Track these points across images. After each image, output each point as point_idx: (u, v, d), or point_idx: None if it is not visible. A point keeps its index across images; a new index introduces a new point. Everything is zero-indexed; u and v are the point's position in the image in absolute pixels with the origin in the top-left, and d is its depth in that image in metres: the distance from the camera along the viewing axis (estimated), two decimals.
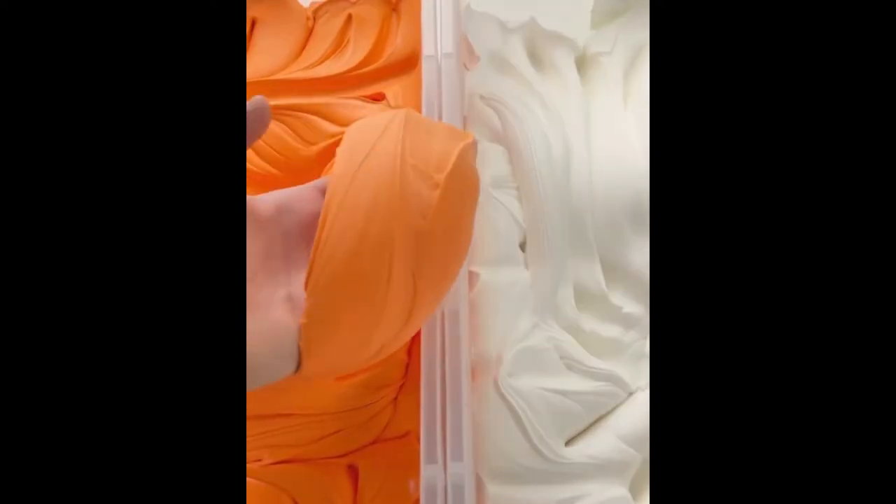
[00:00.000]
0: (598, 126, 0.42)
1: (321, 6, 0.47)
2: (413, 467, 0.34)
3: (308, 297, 0.25)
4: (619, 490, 0.34)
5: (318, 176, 0.41)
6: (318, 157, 0.41)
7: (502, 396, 0.34)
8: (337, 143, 0.28)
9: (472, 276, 0.38)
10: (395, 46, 0.44)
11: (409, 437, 0.36)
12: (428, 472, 0.30)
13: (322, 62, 0.44)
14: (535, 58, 0.44)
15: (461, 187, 0.29)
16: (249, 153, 0.41)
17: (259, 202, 0.28)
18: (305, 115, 0.42)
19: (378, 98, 0.44)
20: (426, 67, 0.39)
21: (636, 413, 0.36)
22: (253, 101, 0.27)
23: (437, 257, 0.28)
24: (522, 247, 0.39)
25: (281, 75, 0.43)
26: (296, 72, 0.44)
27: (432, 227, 0.27)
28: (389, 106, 0.42)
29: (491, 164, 0.40)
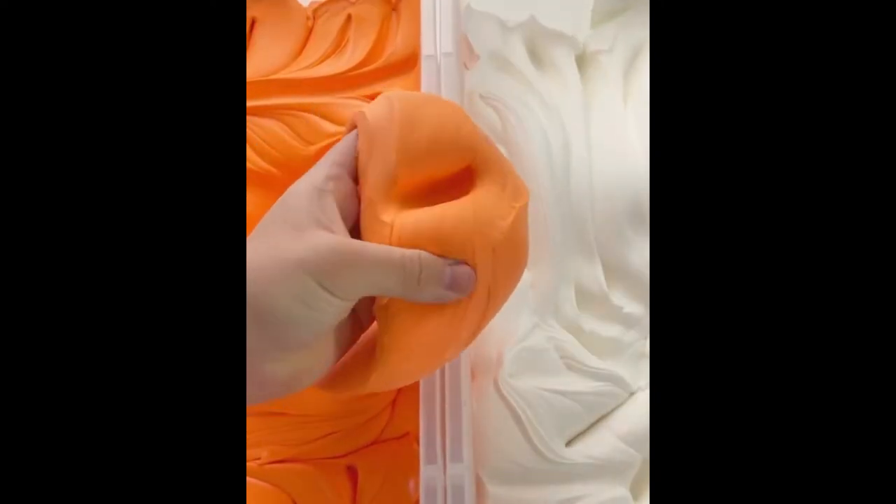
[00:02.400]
0: (598, 125, 0.42)
1: (321, 6, 0.47)
2: (412, 468, 0.34)
3: (380, 326, 0.25)
4: (620, 490, 0.34)
5: None
6: (317, 156, 0.41)
7: (502, 397, 0.34)
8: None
9: None
10: (395, 46, 0.44)
11: (408, 438, 0.36)
12: (427, 472, 0.30)
13: (322, 62, 0.44)
14: (535, 56, 0.44)
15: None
16: (249, 152, 0.41)
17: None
18: (305, 114, 0.42)
19: None
20: (426, 67, 0.38)
21: (636, 413, 0.35)
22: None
23: (511, 268, 0.27)
24: None
25: (281, 75, 0.43)
26: (296, 71, 0.44)
27: (507, 238, 0.26)
28: None
29: None
